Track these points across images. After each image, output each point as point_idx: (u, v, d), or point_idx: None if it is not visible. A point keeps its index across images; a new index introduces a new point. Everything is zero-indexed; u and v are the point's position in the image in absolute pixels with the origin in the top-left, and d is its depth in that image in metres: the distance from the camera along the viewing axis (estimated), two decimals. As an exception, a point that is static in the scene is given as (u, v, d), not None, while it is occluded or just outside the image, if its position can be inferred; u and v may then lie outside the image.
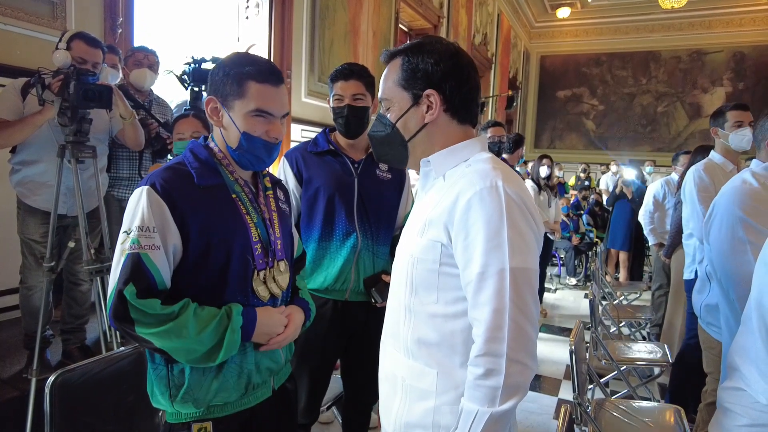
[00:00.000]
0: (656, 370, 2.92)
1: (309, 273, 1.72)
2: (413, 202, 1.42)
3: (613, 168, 8.89)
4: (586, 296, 5.65)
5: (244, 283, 1.12)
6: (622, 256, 5.60)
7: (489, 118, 10.17)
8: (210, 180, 1.10)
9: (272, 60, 4.75)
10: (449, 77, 0.99)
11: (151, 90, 2.91)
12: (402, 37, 7.70)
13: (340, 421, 2.24)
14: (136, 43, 3.41)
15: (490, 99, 9.69)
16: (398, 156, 1.06)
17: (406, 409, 1.00)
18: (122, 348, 1.62)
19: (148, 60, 2.82)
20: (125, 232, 1.02)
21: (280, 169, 1.80)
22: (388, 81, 1.04)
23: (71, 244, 2.05)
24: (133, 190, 2.85)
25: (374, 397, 1.91)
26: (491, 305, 0.86)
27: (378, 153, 1.10)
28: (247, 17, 4.79)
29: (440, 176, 1.02)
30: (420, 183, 1.08)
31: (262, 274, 1.15)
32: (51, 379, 1.38)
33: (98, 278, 2.02)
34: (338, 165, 1.72)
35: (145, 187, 1.04)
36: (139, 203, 1.03)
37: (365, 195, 1.72)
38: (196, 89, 3.01)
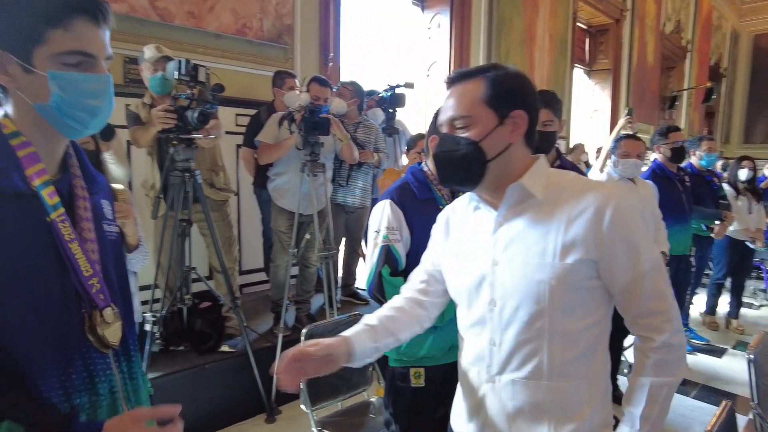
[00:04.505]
0: None
1: None
2: None
3: None
4: (799, 315, 4.91)
5: None
6: None
7: (683, 114, 9.21)
8: (426, 195, 1.56)
9: (451, 74, 5.20)
10: (534, 99, 1.02)
11: (363, 114, 3.51)
12: (580, 35, 7.50)
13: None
14: (343, 73, 4.17)
15: (684, 93, 8.76)
16: (472, 177, 1.00)
17: (558, 428, 1.00)
18: (343, 315, 2.19)
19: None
20: (376, 231, 1.51)
21: None
22: (467, 97, 0.99)
23: (308, 236, 2.75)
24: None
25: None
26: (663, 294, 0.97)
27: (447, 174, 1.05)
28: (429, 38, 5.33)
29: (536, 198, 0.99)
30: (504, 204, 1.01)
31: None
32: (304, 330, 1.98)
33: (325, 263, 2.67)
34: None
35: (388, 200, 1.51)
36: (384, 211, 1.50)
37: None
38: (390, 110, 3.60)
